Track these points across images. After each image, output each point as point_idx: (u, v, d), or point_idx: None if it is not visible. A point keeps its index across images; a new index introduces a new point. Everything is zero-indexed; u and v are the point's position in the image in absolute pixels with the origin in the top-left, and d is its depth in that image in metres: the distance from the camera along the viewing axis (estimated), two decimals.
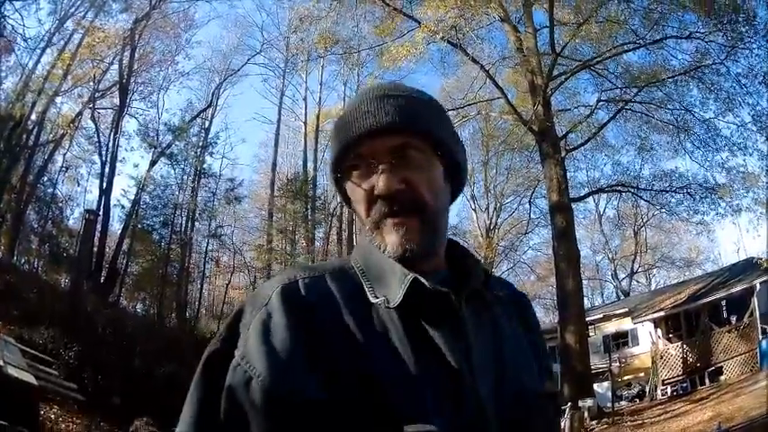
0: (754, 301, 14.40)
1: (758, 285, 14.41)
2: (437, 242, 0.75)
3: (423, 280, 0.68)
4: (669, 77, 14.49)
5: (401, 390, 0.62)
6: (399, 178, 0.70)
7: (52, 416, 9.38)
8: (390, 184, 0.70)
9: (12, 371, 6.09)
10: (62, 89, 19.12)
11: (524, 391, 0.72)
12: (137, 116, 21.04)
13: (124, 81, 18.51)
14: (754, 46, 13.53)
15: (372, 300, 0.69)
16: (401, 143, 0.71)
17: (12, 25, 17.13)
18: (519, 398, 0.71)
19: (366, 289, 0.71)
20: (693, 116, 15.17)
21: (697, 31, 13.90)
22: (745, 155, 14.43)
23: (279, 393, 0.61)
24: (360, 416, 0.60)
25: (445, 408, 0.64)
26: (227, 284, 22.12)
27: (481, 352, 0.70)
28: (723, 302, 15.92)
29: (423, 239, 0.71)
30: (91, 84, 19.48)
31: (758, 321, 14.03)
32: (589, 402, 12.53)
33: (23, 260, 19.48)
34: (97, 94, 19.23)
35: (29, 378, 6.53)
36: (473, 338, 0.70)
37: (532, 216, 22.35)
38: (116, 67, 19.10)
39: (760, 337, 13.71)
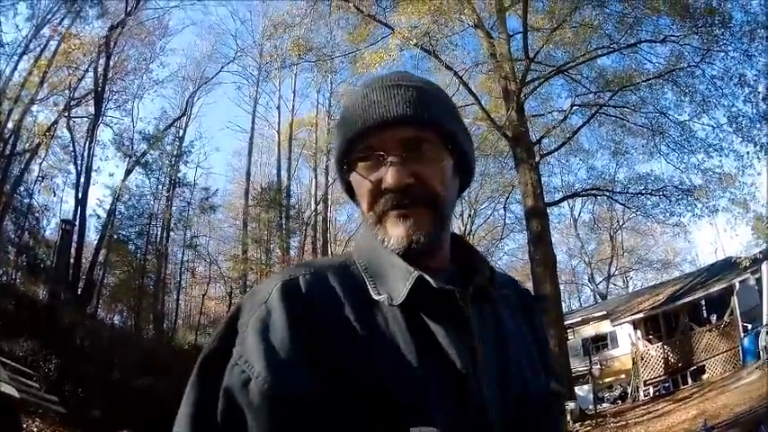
0: (734, 299, 14.59)
1: (737, 284, 14.62)
2: (444, 236, 0.74)
3: (428, 278, 0.66)
4: (643, 81, 14.56)
5: (404, 390, 0.61)
6: (409, 172, 0.68)
7: (34, 429, 9.31)
8: (400, 178, 0.68)
9: None
10: (38, 97, 18.90)
11: (528, 391, 0.71)
12: (111, 125, 20.91)
13: (99, 89, 18.31)
14: (730, 48, 13.62)
15: (375, 297, 0.67)
16: (413, 136, 0.70)
17: None
18: (523, 397, 0.70)
19: (369, 286, 0.69)
20: (668, 119, 15.26)
21: (672, 35, 13.98)
22: (721, 156, 14.49)
23: (278, 394, 0.59)
24: (362, 416, 0.59)
25: (449, 408, 0.62)
26: (204, 295, 21.96)
27: (486, 351, 0.69)
28: (702, 302, 16.10)
29: (431, 232, 0.70)
30: (66, 92, 19.28)
31: (739, 319, 14.22)
32: (571, 405, 12.59)
33: (1, 272, 19.19)
34: (72, 103, 19.00)
35: (11, 391, 6.44)
36: (478, 337, 0.68)
37: (507, 221, 22.55)
38: (91, 74, 18.91)
39: (741, 334, 13.89)
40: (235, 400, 0.60)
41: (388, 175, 0.68)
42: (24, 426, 8.43)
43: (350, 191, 0.78)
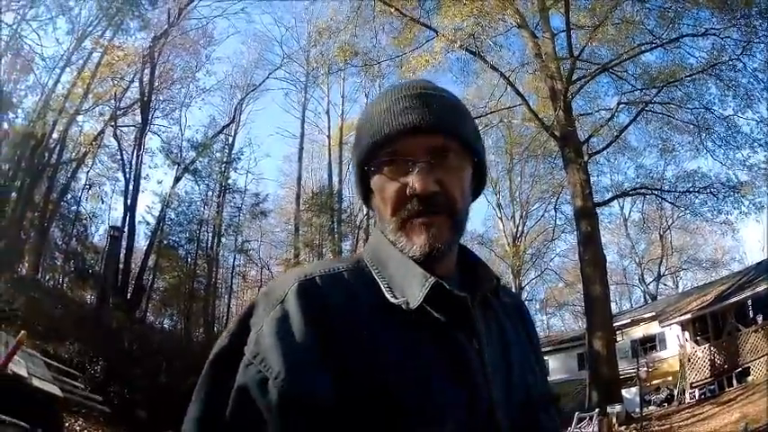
0: None
1: None
2: (457, 242, 0.75)
3: (444, 284, 0.67)
4: (687, 76, 14.34)
5: (416, 392, 0.62)
6: (435, 179, 0.69)
7: (77, 427, 9.56)
8: (428, 184, 0.68)
9: (36, 382, 6.21)
10: (83, 107, 19.43)
11: (531, 395, 0.74)
12: (159, 133, 21.40)
13: (145, 98, 18.75)
14: None
15: (392, 300, 0.67)
16: (441, 144, 0.71)
17: (29, 45, 17.52)
18: (527, 401, 0.72)
19: (383, 288, 0.69)
20: (713, 114, 15.04)
21: (712, 28, 13.79)
22: (766, 151, 14.27)
23: (297, 394, 0.59)
24: (374, 418, 0.60)
25: (459, 411, 0.64)
26: None
27: (492, 356, 0.70)
28: (749, 302, 15.66)
29: (450, 239, 0.71)
30: (112, 102, 19.81)
31: None
32: (617, 408, 12.42)
33: (48, 277, 19.81)
34: (119, 112, 19.50)
35: (53, 389, 6.65)
36: (485, 342, 0.70)
37: (558, 222, 22.24)
38: (137, 84, 19.39)
39: None
40: (250, 400, 0.60)
41: (416, 181, 0.68)
42: (67, 424, 8.68)
43: (365, 193, 0.78)
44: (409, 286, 0.68)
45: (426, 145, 0.70)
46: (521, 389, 0.73)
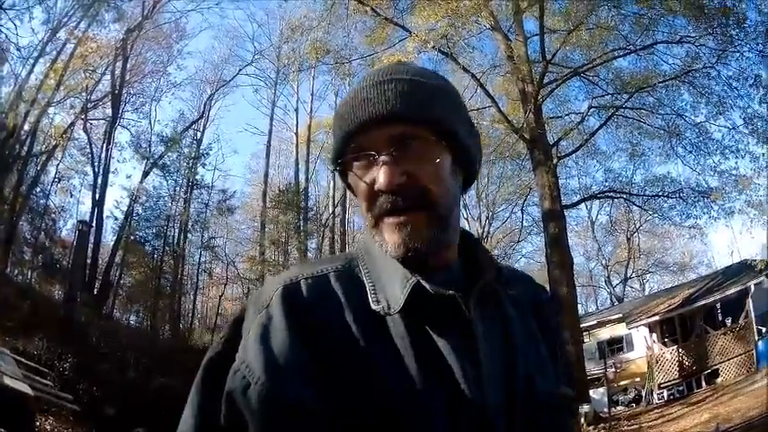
0: (749, 302, 14.47)
1: (752, 287, 14.50)
2: (447, 237, 0.70)
3: (425, 284, 0.65)
4: (660, 82, 14.46)
5: (403, 397, 0.60)
6: (401, 171, 0.66)
7: (48, 426, 9.37)
8: (391, 178, 0.65)
9: (8, 381, 6.09)
10: (55, 99, 19.09)
11: (536, 394, 0.69)
12: (129, 127, 21.20)
13: (116, 91, 18.46)
14: (745, 48, 13.49)
15: (374, 306, 0.65)
16: (406, 131, 0.67)
17: (5, 34, 17.11)
18: (530, 401, 0.68)
19: (369, 291, 0.67)
20: (685, 120, 15.13)
21: (687, 36, 13.88)
22: (737, 158, 14.37)
23: (277, 400, 0.59)
24: (361, 424, 0.58)
25: (448, 414, 0.61)
26: (221, 296, 22.07)
27: (491, 355, 0.67)
28: (718, 305, 15.97)
29: (430, 236, 0.67)
30: (83, 94, 19.46)
31: (754, 323, 14.11)
32: (585, 408, 12.54)
33: (17, 271, 19.39)
34: (89, 105, 19.18)
35: (25, 388, 6.53)
36: (482, 341, 0.67)
37: (525, 224, 22.44)
38: (108, 77, 19.09)
39: (756, 338, 13.78)
40: (236, 405, 0.60)
41: (380, 176, 0.65)
42: (38, 423, 8.52)
43: (353, 190, 0.75)
44: (392, 287, 0.67)
45: (388, 136, 0.66)
46: (525, 388, 0.68)
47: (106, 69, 18.94)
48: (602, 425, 12.88)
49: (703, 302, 15.79)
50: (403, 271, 0.67)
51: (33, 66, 18.54)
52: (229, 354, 0.64)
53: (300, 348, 0.61)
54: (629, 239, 27.67)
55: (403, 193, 0.66)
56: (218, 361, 0.65)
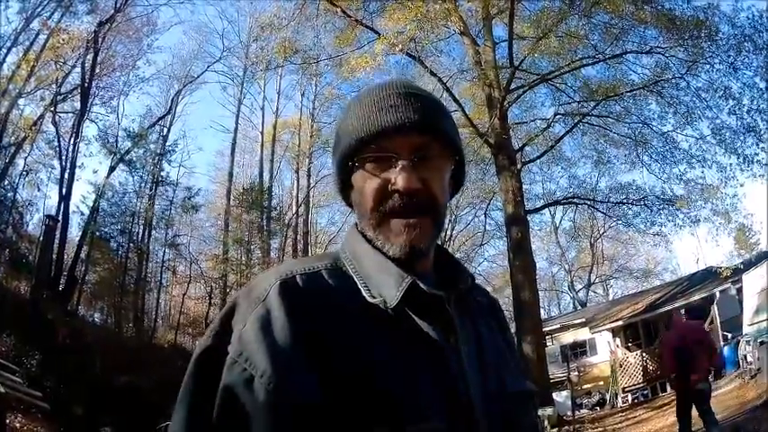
0: (715, 309, 14.70)
1: (718, 294, 14.74)
2: (435, 243, 0.76)
3: (420, 284, 0.69)
4: (628, 91, 14.55)
5: (399, 389, 0.63)
6: (418, 177, 0.71)
7: (17, 424, 9.18)
8: (411, 182, 0.70)
9: None
10: (25, 90, 18.79)
11: (506, 389, 0.75)
12: (97, 121, 20.83)
13: (86, 85, 18.18)
14: (716, 61, 13.59)
15: (369, 299, 0.68)
16: (425, 143, 0.72)
17: None
18: (503, 397, 0.73)
19: (361, 288, 0.70)
20: (651, 129, 15.25)
21: (658, 46, 13.95)
22: (703, 167, 14.47)
23: (284, 392, 0.59)
24: (360, 416, 0.60)
25: (440, 406, 0.65)
26: (184, 294, 21.82)
27: (468, 353, 0.71)
28: (682, 311, 16.21)
29: (431, 239, 0.73)
30: (53, 86, 19.14)
31: (719, 329, 14.33)
32: (549, 411, 12.61)
33: None
34: (59, 98, 18.85)
35: None
36: (462, 340, 0.71)
37: (488, 228, 22.52)
38: (79, 70, 18.78)
39: (721, 344, 14.00)
40: (235, 398, 0.60)
41: (400, 178, 0.70)
42: (7, 421, 8.35)
43: (344, 190, 0.79)
44: (386, 286, 0.70)
45: (411, 143, 0.72)
46: (496, 384, 0.74)
47: (77, 62, 18.64)
48: (565, 428, 12.99)
49: (668, 308, 16.02)
50: (397, 270, 0.70)
51: (6, 55, 18.24)
52: (220, 346, 0.64)
53: (301, 341, 0.62)
54: (592, 245, 27.89)
55: (416, 199, 0.71)
56: (210, 354, 0.65)
